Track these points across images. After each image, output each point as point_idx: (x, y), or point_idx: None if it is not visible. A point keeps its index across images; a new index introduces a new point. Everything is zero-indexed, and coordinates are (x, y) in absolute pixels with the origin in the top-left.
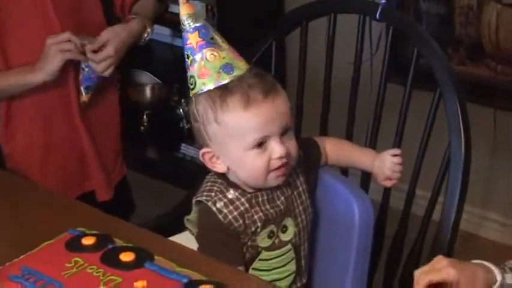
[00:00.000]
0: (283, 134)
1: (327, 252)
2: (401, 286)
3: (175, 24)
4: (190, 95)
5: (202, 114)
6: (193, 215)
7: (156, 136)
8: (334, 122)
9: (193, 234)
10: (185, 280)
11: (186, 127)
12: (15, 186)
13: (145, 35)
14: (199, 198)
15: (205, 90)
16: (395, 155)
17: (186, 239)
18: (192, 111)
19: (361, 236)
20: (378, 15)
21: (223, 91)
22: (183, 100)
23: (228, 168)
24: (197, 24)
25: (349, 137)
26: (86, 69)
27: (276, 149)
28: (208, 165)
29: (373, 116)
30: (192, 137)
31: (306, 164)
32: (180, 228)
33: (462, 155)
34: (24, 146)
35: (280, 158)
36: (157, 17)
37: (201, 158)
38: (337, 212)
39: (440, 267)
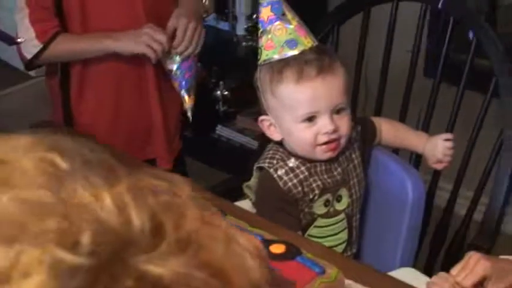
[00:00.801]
0: (336, 112)
1: (378, 226)
2: (445, 263)
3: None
4: (258, 64)
5: (263, 83)
6: (253, 181)
7: (193, 116)
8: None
9: (251, 200)
10: (259, 238)
11: (222, 109)
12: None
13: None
14: (261, 165)
15: (268, 61)
16: (447, 140)
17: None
18: (255, 80)
19: (413, 213)
20: (440, 5)
21: (282, 64)
22: (221, 82)
23: (283, 138)
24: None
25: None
26: (178, 72)
27: (324, 125)
28: (266, 132)
29: (425, 111)
30: (228, 119)
31: (362, 140)
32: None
33: None
34: (94, 107)
35: (327, 133)
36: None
37: (259, 124)
38: (391, 188)
39: (475, 263)
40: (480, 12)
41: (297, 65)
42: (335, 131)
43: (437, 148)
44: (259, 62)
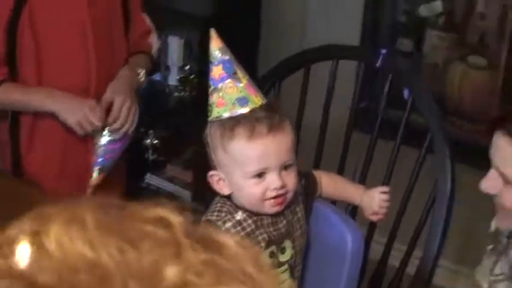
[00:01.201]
0: (284, 168)
1: (318, 277)
2: None
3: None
4: (208, 121)
5: (213, 139)
6: None
7: (124, 164)
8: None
9: None
10: None
11: (152, 158)
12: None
13: (138, 77)
14: (209, 218)
15: (219, 118)
16: (383, 192)
17: None
18: (205, 137)
19: (352, 265)
20: (378, 63)
21: (233, 121)
22: (151, 131)
23: (232, 192)
24: (224, 58)
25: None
26: (102, 148)
27: (273, 181)
28: (215, 186)
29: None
30: (157, 167)
31: (305, 193)
32: None
33: (447, 194)
34: (43, 159)
35: (276, 189)
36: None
37: (209, 179)
38: (331, 240)
39: None
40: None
41: (248, 123)
42: (283, 186)
43: (374, 200)
44: (209, 119)
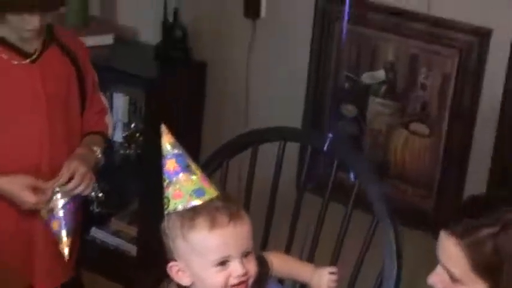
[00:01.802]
0: (244, 255)
1: None
2: None
3: None
4: (164, 214)
5: (172, 231)
6: None
7: None
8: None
9: None
10: None
11: (97, 210)
12: None
13: (95, 154)
14: None
15: (177, 210)
16: (332, 273)
17: None
18: (163, 228)
19: None
20: (325, 147)
21: (192, 212)
22: (95, 184)
23: (193, 282)
24: (176, 152)
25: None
26: (61, 211)
27: (236, 269)
28: (175, 277)
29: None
30: (102, 221)
31: (259, 278)
32: None
33: (394, 277)
34: None
35: (239, 277)
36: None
37: (168, 270)
38: None
39: None
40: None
41: (208, 213)
42: (245, 274)
43: (323, 280)
44: (166, 212)
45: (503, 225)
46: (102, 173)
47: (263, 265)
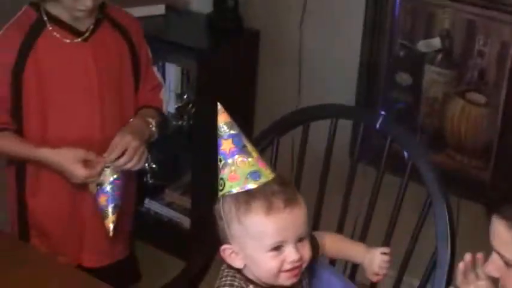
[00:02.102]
0: (298, 240)
1: None
2: None
3: None
4: (219, 196)
5: (227, 213)
6: None
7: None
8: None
9: None
10: None
11: (150, 181)
12: (32, 257)
13: (150, 126)
14: None
15: (232, 192)
16: (384, 253)
17: None
18: (218, 210)
19: None
20: (378, 125)
21: (248, 195)
22: (149, 155)
23: (245, 265)
24: (232, 132)
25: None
26: (109, 187)
27: (291, 254)
28: (227, 259)
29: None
30: (156, 192)
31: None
32: None
33: (447, 262)
34: (48, 208)
35: (293, 262)
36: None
37: (221, 253)
38: None
39: None
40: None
41: (264, 197)
42: (300, 259)
43: (375, 261)
44: (221, 194)
45: None
46: (156, 144)
47: (314, 247)
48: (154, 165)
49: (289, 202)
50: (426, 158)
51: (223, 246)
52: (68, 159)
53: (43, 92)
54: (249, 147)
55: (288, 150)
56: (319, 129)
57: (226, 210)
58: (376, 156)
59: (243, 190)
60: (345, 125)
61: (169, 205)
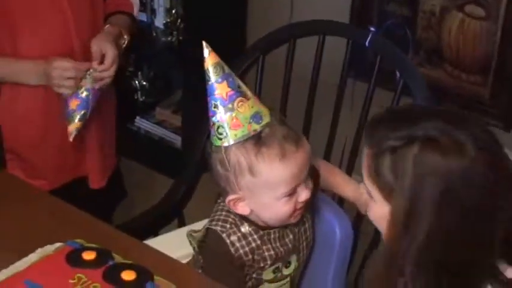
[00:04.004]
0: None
1: (306, 267)
2: None
3: None
4: (218, 144)
5: (234, 164)
6: (200, 235)
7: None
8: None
9: (194, 248)
10: None
11: (141, 99)
12: (14, 187)
13: (122, 41)
14: (213, 227)
15: (237, 141)
16: None
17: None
18: (222, 161)
19: (339, 256)
20: (367, 43)
21: (257, 142)
22: (139, 72)
23: (251, 211)
24: (225, 73)
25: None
26: (85, 93)
27: (303, 194)
28: (232, 208)
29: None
30: (146, 110)
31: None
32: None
33: None
34: (23, 121)
35: (305, 201)
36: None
37: (227, 203)
38: (319, 230)
39: None
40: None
41: (275, 143)
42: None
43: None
44: (224, 144)
45: (408, 141)
46: (145, 61)
47: (314, 179)
48: (144, 83)
49: (299, 143)
50: (418, 77)
51: (229, 197)
52: (54, 60)
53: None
54: (242, 85)
55: (275, 69)
56: (309, 49)
57: (233, 161)
58: (369, 72)
59: (248, 137)
60: (336, 48)
61: (160, 123)
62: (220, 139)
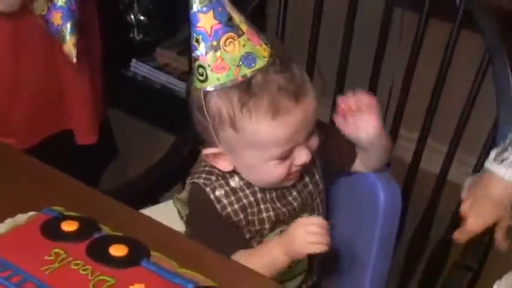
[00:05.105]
0: (308, 136)
1: (343, 246)
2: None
3: None
4: (197, 86)
5: (214, 114)
6: (184, 195)
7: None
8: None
9: (181, 215)
10: (190, 286)
11: (138, 38)
12: None
13: None
14: (195, 180)
15: (220, 87)
16: None
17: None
18: (200, 107)
19: (385, 226)
20: None
21: (245, 91)
22: (135, 5)
23: (234, 167)
24: (212, 1)
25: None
26: (63, 1)
27: (301, 156)
28: (211, 161)
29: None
30: (145, 52)
31: (323, 147)
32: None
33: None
34: None
35: (303, 164)
36: None
37: (204, 156)
38: (359, 198)
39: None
40: None
41: (267, 95)
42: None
43: None
44: (204, 86)
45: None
46: None
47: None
48: (142, 17)
49: (299, 94)
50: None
51: (206, 151)
52: None
53: None
54: (236, 17)
55: None
56: None
57: (213, 111)
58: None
59: (236, 83)
60: None
61: (161, 68)
62: (201, 81)
